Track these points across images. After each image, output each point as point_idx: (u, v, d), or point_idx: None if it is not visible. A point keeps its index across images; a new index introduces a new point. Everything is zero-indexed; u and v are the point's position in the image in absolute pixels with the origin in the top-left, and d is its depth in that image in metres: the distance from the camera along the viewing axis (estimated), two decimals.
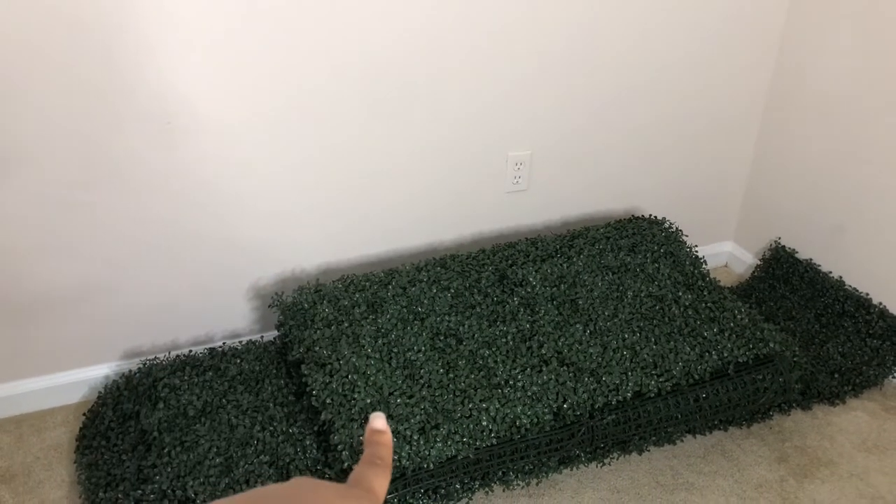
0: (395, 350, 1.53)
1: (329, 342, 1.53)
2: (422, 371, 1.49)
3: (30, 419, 1.75)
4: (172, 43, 1.48)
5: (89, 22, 1.40)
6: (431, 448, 1.35)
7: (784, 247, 2.22)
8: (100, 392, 1.61)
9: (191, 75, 1.53)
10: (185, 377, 1.58)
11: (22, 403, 1.75)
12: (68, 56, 1.42)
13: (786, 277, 2.18)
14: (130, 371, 1.63)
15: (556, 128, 1.96)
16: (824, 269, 2.12)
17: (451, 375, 1.49)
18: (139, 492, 1.37)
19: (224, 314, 1.85)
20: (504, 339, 1.57)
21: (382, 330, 1.57)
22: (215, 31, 1.50)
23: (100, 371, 1.79)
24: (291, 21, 1.55)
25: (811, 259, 2.16)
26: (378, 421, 0.53)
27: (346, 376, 1.46)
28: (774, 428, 1.77)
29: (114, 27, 1.42)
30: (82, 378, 1.78)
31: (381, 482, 0.50)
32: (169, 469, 1.39)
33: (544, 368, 1.51)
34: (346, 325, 1.57)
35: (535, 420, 1.42)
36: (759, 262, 2.28)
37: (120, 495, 1.38)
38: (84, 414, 1.62)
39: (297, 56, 1.59)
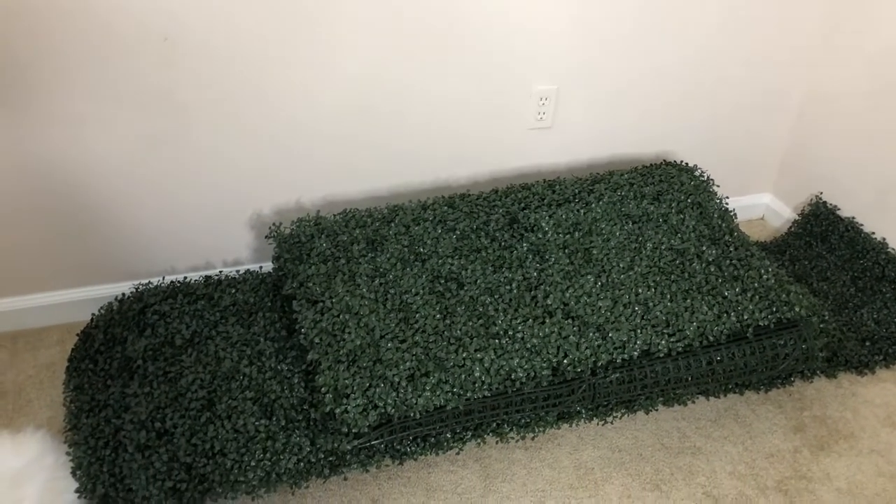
0: (392, 291, 1.45)
1: (324, 279, 1.46)
2: (417, 315, 1.41)
3: (26, 336, 1.73)
4: None
5: None
6: (419, 396, 1.28)
7: (825, 203, 2.07)
8: (93, 314, 1.58)
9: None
10: (177, 304, 1.52)
11: (19, 319, 1.73)
12: None
13: (824, 235, 2.03)
14: (124, 294, 1.59)
15: (586, 62, 1.81)
16: (867, 229, 1.97)
17: (448, 322, 1.41)
18: (119, 420, 1.33)
19: (226, 241, 1.79)
20: (508, 287, 1.48)
21: (381, 269, 1.49)
22: None
23: (99, 291, 1.76)
24: None
25: (853, 218, 2.01)
26: None
27: (338, 316, 1.39)
28: (794, 395, 1.67)
29: None
30: (82, 297, 1.75)
31: None
32: (150, 399, 1.35)
33: (547, 320, 1.42)
34: (343, 261, 1.49)
35: (532, 374, 1.34)
36: (797, 218, 2.13)
37: (101, 422, 1.34)
38: (77, 335, 1.59)
39: None
